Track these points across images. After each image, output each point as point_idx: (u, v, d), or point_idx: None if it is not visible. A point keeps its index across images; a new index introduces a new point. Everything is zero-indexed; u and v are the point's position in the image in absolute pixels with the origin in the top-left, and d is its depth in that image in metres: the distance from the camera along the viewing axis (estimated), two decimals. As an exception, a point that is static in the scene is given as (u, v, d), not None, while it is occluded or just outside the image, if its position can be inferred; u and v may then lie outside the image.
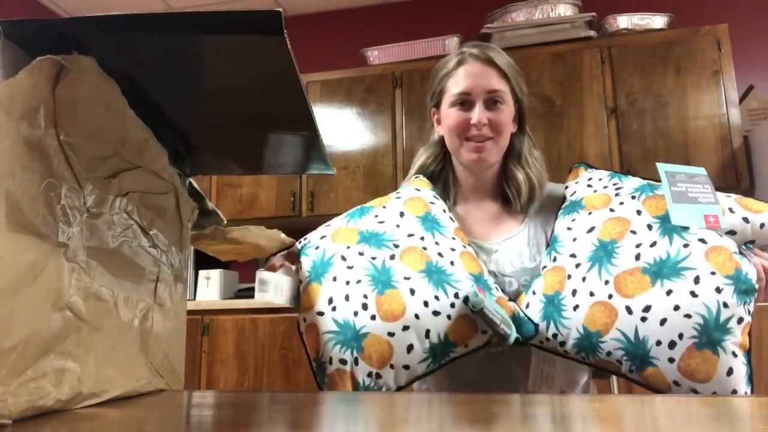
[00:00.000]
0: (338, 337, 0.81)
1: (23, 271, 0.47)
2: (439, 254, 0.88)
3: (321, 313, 0.84)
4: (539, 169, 1.07)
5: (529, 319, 0.86)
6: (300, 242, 0.97)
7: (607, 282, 0.80)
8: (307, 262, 0.92)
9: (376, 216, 0.96)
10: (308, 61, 3.28)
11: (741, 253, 0.78)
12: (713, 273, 0.75)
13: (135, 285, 0.63)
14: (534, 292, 0.89)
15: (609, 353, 0.79)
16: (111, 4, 3.36)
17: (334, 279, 0.87)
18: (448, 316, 0.81)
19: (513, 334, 0.82)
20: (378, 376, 0.79)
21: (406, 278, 0.84)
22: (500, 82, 1.03)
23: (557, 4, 2.89)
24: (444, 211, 0.99)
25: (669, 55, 2.74)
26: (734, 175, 2.59)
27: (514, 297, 0.93)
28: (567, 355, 0.85)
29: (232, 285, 3.12)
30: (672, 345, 0.74)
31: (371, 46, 3.15)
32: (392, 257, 0.87)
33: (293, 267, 0.94)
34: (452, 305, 0.82)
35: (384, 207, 0.98)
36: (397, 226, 0.92)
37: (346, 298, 0.84)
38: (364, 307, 0.82)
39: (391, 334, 0.79)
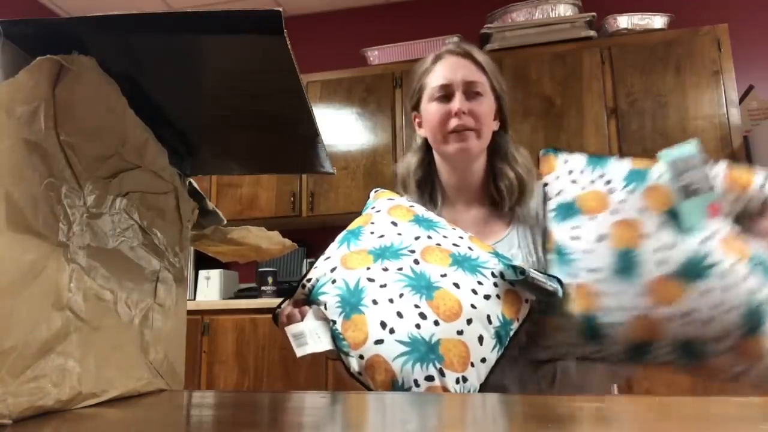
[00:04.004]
0: (414, 356, 0.75)
1: (23, 271, 0.47)
2: (455, 245, 0.87)
3: (380, 341, 0.77)
4: (527, 166, 1.05)
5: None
6: (304, 284, 0.88)
7: (639, 294, 0.79)
8: (331, 299, 0.83)
9: (372, 233, 0.92)
10: (308, 61, 3.28)
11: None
12: (736, 262, 0.77)
13: (135, 285, 0.63)
14: (562, 314, 0.85)
15: (657, 357, 0.81)
16: (111, 4, 3.36)
17: (375, 302, 0.80)
18: (498, 296, 0.81)
19: (560, 288, 0.82)
20: (464, 379, 0.75)
21: (443, 275, 0.82)
22: (478, 73, 1.03)
23: (557, 4, 2.89)
24: (427, 210, 0.99)
25: (669, 55, 2.74)
26: (734, 175, 2.60)
27: None
28: (617, 360, 0.85)
29: (232, 285, 3.12)
30: (719, 340, 0.76)
31: (371, 46, 3.15)
32: (416, 262, 0.84)
33: (312, 310, 0.85)
34: (495, 285, 0.82)
35: (373, 223, 0.95)
36: (399, 234, 0.90)
37: (399, 315, 0.78)
38: (422, 316, 0.77)
39: (460, 333, 0.77)
